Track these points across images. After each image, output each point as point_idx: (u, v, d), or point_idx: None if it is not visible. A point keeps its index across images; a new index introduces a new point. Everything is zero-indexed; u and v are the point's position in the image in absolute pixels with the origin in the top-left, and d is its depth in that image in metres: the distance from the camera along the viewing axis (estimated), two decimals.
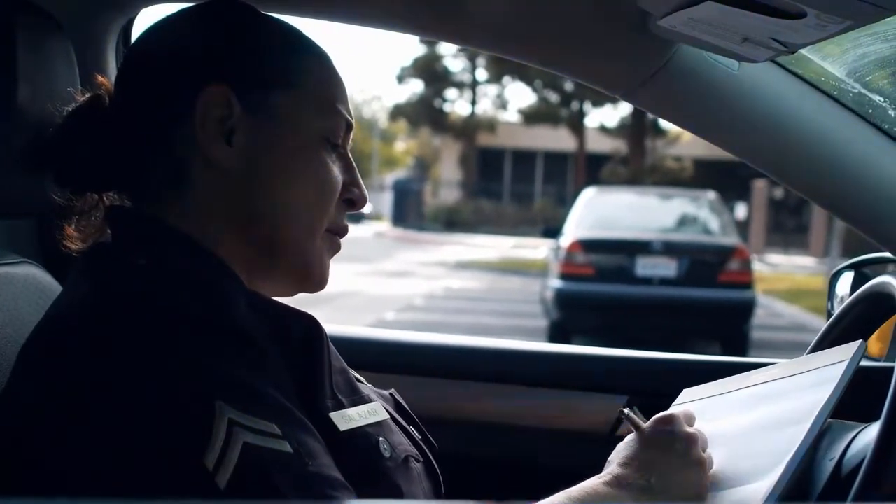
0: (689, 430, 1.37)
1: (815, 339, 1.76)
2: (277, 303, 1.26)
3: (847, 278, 1.98)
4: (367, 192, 1.37)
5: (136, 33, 1.84)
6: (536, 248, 23.68)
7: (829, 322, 1.76)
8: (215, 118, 1.23)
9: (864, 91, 1.68)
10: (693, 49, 1.58)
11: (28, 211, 1.48)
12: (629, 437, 1.39)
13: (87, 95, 1.34)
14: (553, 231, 11.62)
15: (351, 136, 1.36)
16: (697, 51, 1.58)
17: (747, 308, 10.12)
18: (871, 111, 1.65)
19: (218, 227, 1.25)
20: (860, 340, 1.39)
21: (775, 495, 1.22)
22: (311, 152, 1.28)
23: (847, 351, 1.38)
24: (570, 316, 10.30)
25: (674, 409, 1.40)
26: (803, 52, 1.48)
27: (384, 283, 16.27)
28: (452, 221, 33.36)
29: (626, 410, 1.39)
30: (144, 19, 1.81)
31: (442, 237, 29.97)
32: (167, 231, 1.24)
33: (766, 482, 1.25)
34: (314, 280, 1.33)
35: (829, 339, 1.69)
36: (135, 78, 1.30)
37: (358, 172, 1.36)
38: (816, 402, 1.31)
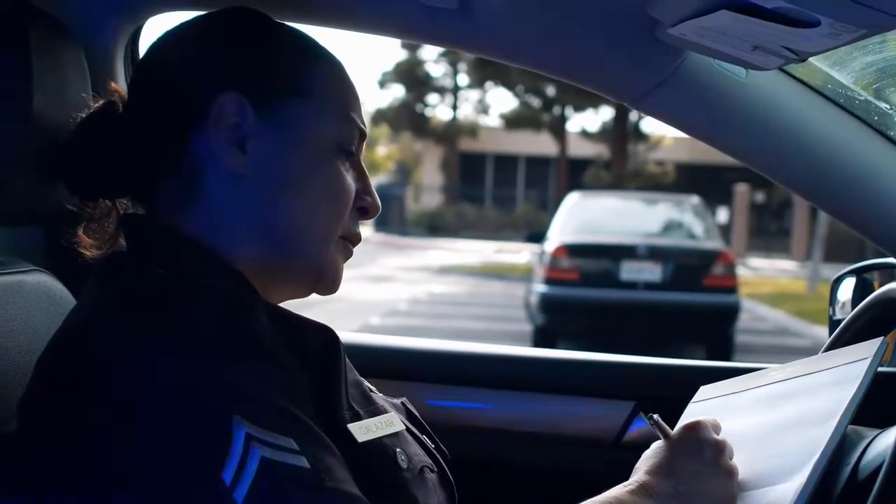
0: (717, 437, 1.36)
1: (825, 343, 1.77)
2: (295, 315, 1.25)
3: (849, 284, 1.99)
4: (379, 201, 1.37)
5: (143, 41, 1.85)
6: (518, 253, 23.73)
7: (841, 325, 1.76)
8: (229, 125, 1.23)
9: (870, 98, 1.69)
10: (700, 56, 1.58)
11: (36, 218, 1.48)
12: (656, 445, 1.38)
13: (101, 102, 1.34)
14: (537, 236, 11.64)
15: (364, 145, 1.36)
16: (705, 58, 1.58)
17: (732, 312, 10.15)
18: (876, 118, 1.66)
19: (231, 233, 1.25)
20: (881, 338, 1.38)
21: (804, 496, 1.22)
22: (325, 160, 1.28)
23: (868, 348, 1.37)
24: (554, 320, 10.31)
25: (700, 417, 1.39)
26: (810, 59, 1.48)
27: (368, 288, 16.25)
28: (434, 226, 33.33)
29: (655, 416, 1.38)
30: (152, 27, 1.81)
31: (424, 242, 29.95)
32: (182, 240, 1.24)
33: (794, 483, 1.25)
34: (327, 284, 1.33)
35: (841, 343, 1.69)
36: (148, 85, 1.30)
37: (370, 181, 1.36)
38: (840, 401, 1.31)
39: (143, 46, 1.84)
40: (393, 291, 16.35)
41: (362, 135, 1.33)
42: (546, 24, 1.60)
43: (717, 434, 1.38)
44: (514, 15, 1.60)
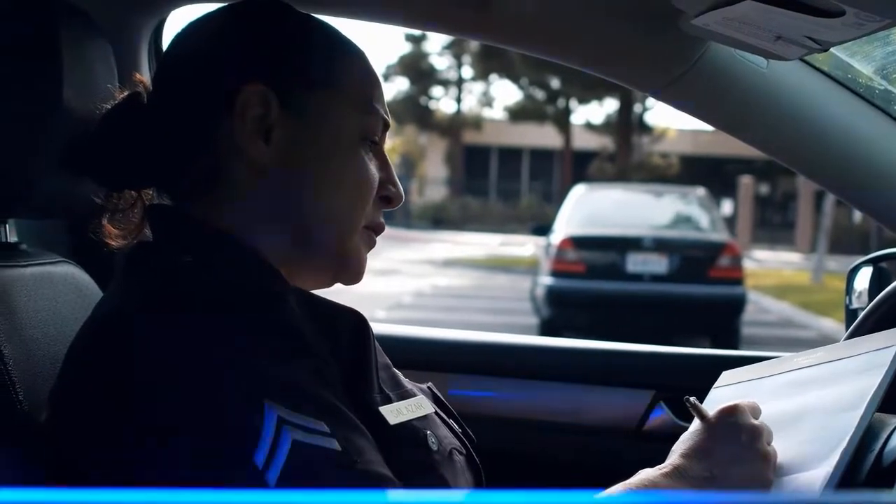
0: (755, 422, 1.36)
1: (846, 333, 1.77)
2: (324, 299, 1.27)
3: (865, 273, 1.99)
4: (402, 190, 1.38)
5: (167, 33, 1.86)
6: (523, 246, 23.69)
7: (862, 314, 1.76)
8: (253, 117, 1.24)
9: (890, 88, 1.69)
10: (722, 47, 1.59)
11: (63, 210, 1.49)
12: (693, 428, 1.38)
13: (125, 94, 1.34)
14: (543, 228, 11.61)
15: (387, 134, 1.37)
16: (727, 48, 1.59)
17: (738, 304, 10.13)
18: None
19: (256, 224, 1.26)
20: None
21: (832, 484, 1.22)
22: (349, 151, 1.29)
23: (894, 336, 1.37)
24: (561, 313, 10.28)
25: (739, 400, 1.38)
26: (831, 49, 1.49)
27: (372, 282, 16.21)
28: (439, 219, 33.28)
29: (692, 399, 1.38)
30: (176, 20, 1.83)
31: (429, 235, 29.88)
32: (209, 229, 1.25)
33: (822, 471, 1.26)
34: (351, 274, 1.34)
35: (862, 332, 1.69)
36: (173, 76, 1.31)
37: (394, 170, 1.36)
38: (866, 388, 1.31)
39: (167, 38, 1.85)
40: (398, 284, 16.33)
41: (385, 125, 1.34)
42: (569, 14, 1.61)
43: (756, 418, 1.37)
44: (538, 6, 1.60)
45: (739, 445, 1.33)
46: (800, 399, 1.42)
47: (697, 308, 10.03)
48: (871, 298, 1.84)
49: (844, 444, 1.26)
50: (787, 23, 1.33)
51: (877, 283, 1.90)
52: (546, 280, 10.38)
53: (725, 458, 1.32)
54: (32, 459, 1.18)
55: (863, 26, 1.28)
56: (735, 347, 9.92)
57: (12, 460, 1.20)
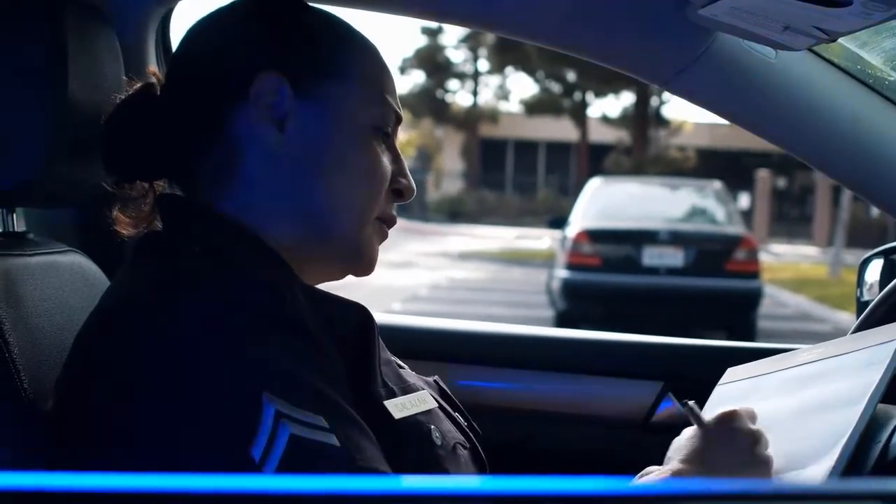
0: (753, 427, 1.35)
1: (854, 325, 1.77)
2: (329, 293, 1.27)
3: (876, 265, 1.98)
4: (414, 183, 1.38)
5: (173, 24, 1.86)
6: (539, 239, 23.67)
7: (869, 307, 1.76)
8: (267, 106, 1.24)
9: None
10: (730, 37, 1.58)
11: (71, 200, 1.49)
12: (690, 433, 1.37)
13: (139, 84, 1.35)
14: (559, 221, 11.59)
15: (399, 128, 1.37)
16: (734, 39, 1.59)
17: (754, 297, 10.10)
18: None
19: (267, 213, 1.26)
20: None
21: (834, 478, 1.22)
22: (362, 142, 1.29)
23: None
24: (576, 306, 10.27)
25: (736, 406, 1.37)
26: (840, 39, 1.48)
27: (388, 274, 16.22)
28: (455, 212, 33.24)
29: (690, 403, 1.37)
30: (183, 10, 1.83)
31: (445, 228, 29.86)
32: (219, 220, 1.25)
33: (823, 466, 1.25)
34: (362, 265, 1.34)
35: (870, 325, 1.68)
36: (187, 66, 1.32)
37: (406, 164, 1.37)
38: (869, 383, 1.31)
39: (174, 29, 1.86)
40: (414, 277, 16.34)
41: (398, 118, 1.35)
42: (577, 4, 1.61)
43: (754, 423, 1.37)
44: None
45: (738, 451, 1.32)
46: (803, 395, 1.41)
47: (714, 302, 10.01)
48: (881, 290, 1.83)
49: (845, 439, 1.26)
50: (794, 12, 1.33)
51: (888, 275, 1.90)
52: (562, 273, 10.38)
53: (724, 463, 1.31)
54: (36, 447, 1.19)
55: (870, 16, 1.28)
56: (751, 341, 9.90)
57: (17, 448, 1.20)
